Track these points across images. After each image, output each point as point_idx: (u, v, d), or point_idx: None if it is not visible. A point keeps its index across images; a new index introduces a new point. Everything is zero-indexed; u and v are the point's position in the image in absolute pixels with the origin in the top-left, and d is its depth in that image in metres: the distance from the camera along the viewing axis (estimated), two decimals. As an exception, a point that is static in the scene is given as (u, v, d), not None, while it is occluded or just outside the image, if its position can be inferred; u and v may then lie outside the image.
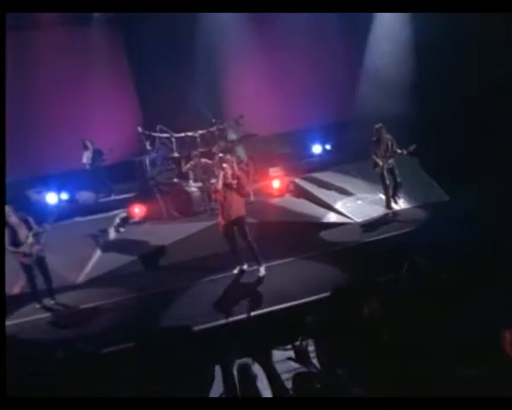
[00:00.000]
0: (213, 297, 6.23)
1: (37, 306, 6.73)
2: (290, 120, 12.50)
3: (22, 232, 6.47)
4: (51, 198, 10.69)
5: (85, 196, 11.07)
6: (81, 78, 11.60)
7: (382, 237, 7.67)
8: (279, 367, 3.44)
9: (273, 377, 3.20)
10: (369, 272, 5.94)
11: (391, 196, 8.63)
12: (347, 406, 2.45)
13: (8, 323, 6.24)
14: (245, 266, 6.87)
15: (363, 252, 7.15)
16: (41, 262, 6.72)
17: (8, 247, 6.45)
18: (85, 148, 10.87)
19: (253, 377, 3.19)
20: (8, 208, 6.52)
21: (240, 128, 10.59)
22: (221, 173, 6.55)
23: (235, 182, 6.52)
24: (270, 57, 12.22)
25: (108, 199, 10.74)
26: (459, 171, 8.81)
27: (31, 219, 6.68)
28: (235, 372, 3.31)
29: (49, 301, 6.80)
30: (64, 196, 10.94)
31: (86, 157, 10.85)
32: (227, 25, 11.90)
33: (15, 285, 7.08)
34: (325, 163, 11.08)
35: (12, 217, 6.50)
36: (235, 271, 6.87)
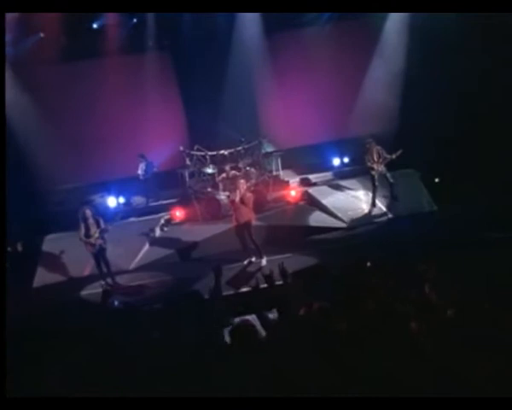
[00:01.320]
0: (227, 279, 8.04)
1: (102, 283, 8.68)
2: (312, 135, 13.21)
3: (93, 229, 8.32)
4: (111, 202, 12.16)
5: (138, 200, 12.43)
6: (137, 99, 12.77)
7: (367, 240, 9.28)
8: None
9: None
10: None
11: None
12: (347, 405, 2.49)
13: (82, 293, 8.62)
14: (253, 259, 8.66)
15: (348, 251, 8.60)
16: (103, 252, 8.55)
17: (81, 237, 8.34)
18: (140, 161, 12.18)
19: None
20: (88, 211, 8.42)
21: (264, 146, 12.52)
22: (238, 188, 8.41)
23: (247, 196, 8.38)
24: (293, 78, 13.01)
25: (156, 203, 12.02)
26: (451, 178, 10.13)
27: (101, 220, 8.47)
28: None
29: (110, 280, 8.77)
30: (121, 200, 12.32)
31: (141, 169, 12.15)
32: (253, 46, 12.62)
33: (86, 268, 9.34)
34: (342, 175, 12.21)
35: (90, 217, 8.37)
36: (245, 262, 8.67)
